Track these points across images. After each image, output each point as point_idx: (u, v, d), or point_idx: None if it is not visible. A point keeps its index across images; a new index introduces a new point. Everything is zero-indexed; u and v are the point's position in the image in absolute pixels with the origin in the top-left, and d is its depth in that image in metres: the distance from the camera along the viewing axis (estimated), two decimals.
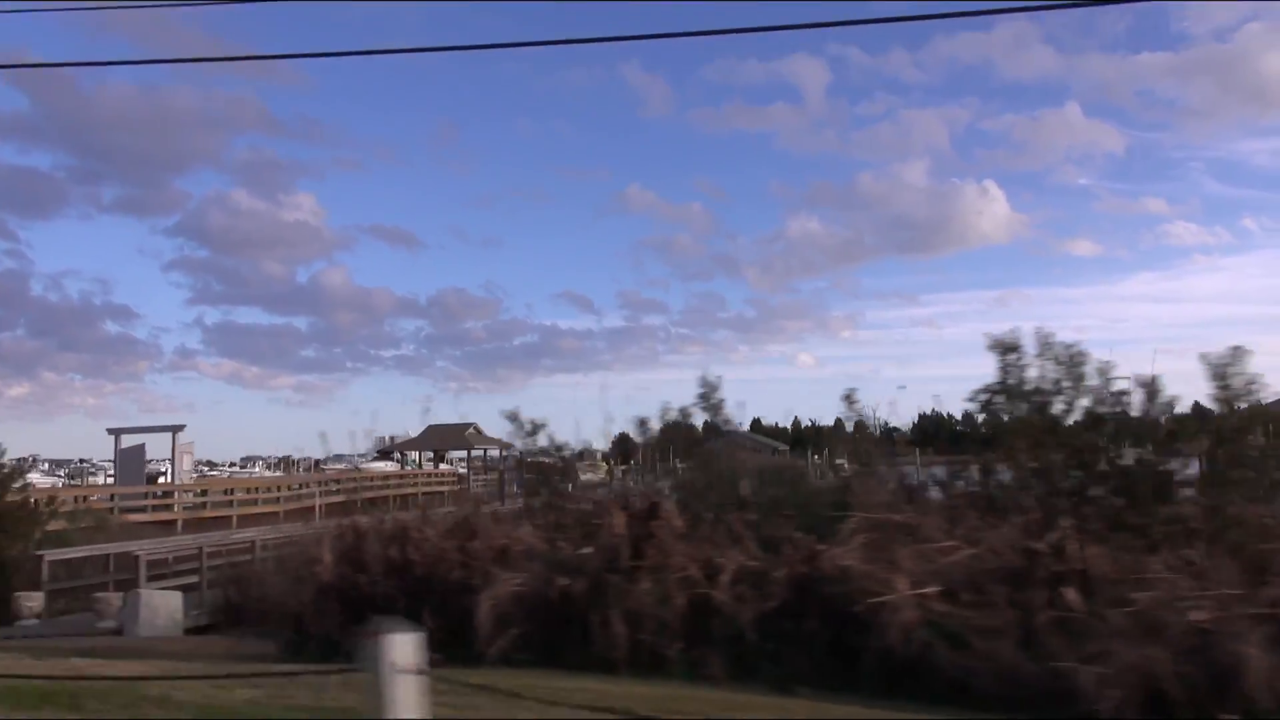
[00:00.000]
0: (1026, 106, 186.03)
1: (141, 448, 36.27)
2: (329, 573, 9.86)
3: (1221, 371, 9.54)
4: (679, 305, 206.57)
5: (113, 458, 37.31)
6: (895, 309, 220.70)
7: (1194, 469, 10.06)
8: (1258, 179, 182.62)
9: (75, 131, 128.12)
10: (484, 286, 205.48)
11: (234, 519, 36.59)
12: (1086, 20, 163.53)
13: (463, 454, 75.58)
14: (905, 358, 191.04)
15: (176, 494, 34.88)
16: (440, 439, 75.36)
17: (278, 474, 62.02)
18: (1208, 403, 10.18)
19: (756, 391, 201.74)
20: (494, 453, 78.45)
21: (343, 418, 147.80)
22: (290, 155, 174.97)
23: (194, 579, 16.72)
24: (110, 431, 38.10)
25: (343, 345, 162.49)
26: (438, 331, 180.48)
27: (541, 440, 12.39)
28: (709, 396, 11.19)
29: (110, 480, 41.01)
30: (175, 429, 37.07)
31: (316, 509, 43.28)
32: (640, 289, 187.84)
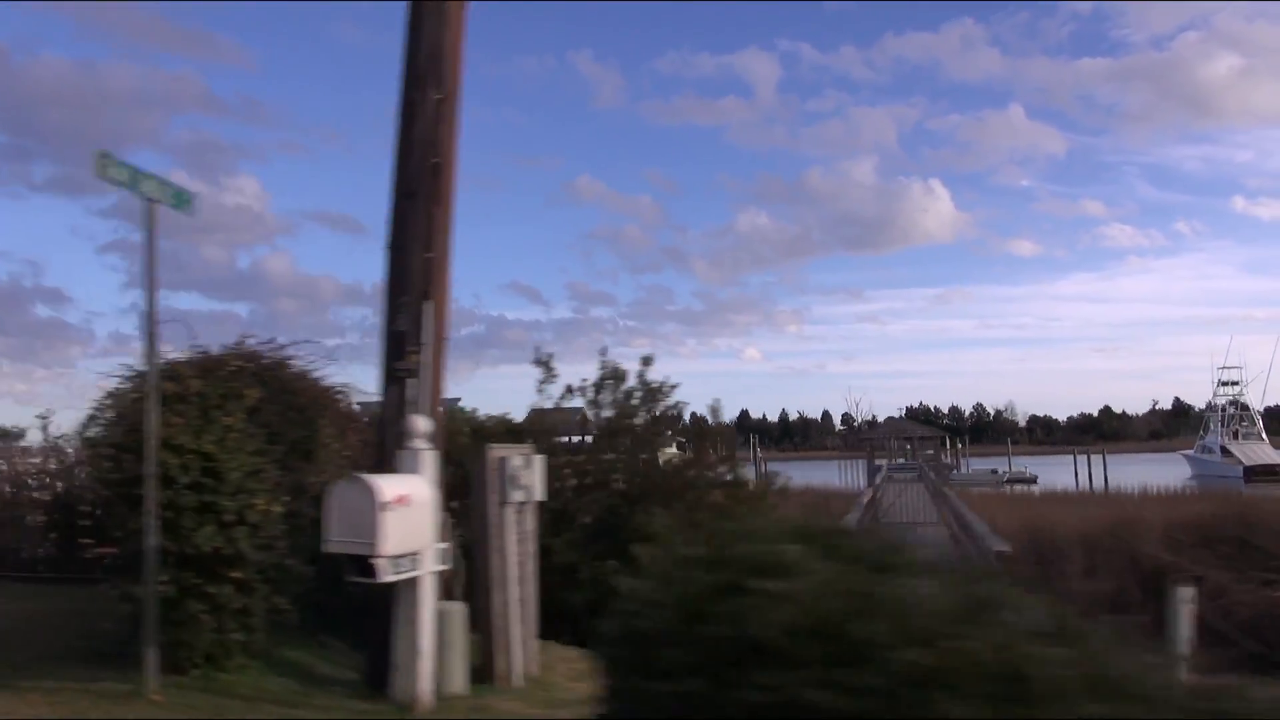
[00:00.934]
0: (972, 107, 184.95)
1: None
2: None
3: None
4: (627, 297, 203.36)
5: None
6: (841, 304, 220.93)
7: None
8: (1190, 184, 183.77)
9: (6, 107, 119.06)
10: None
11: None
12: (1031, 23, 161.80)
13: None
14: (850, 353, 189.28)
15: None
16: (543, 423, 73.71)
17: None
18: None
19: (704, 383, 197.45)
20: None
21: None
22: (232, 137, 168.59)
23: None
24: None
25: (285, 333, 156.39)
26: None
27: None
28: None
29: None
30: None
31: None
32: (589, 280, 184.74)
